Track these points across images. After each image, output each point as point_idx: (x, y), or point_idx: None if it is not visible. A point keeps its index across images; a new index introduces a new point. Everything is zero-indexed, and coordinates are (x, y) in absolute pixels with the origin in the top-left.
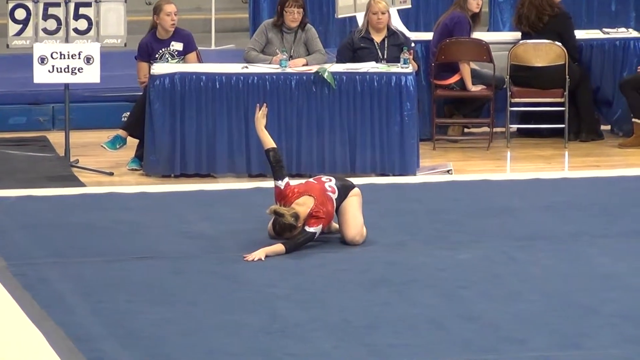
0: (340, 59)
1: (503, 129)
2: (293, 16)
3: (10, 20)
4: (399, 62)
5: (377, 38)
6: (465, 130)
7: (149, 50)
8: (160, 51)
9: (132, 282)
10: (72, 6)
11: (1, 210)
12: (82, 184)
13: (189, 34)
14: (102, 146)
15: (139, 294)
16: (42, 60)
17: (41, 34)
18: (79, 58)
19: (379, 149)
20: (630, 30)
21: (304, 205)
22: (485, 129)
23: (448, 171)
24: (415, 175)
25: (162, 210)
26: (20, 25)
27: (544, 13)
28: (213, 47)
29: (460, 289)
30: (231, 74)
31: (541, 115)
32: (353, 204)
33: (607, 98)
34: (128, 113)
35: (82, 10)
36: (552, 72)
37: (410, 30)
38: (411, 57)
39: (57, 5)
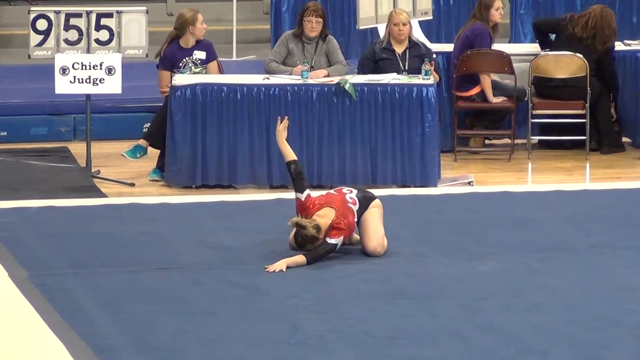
0: (362, 70)
1: (524, 141)
2: (312, 25)
3: (31, 31)
4: (420, 73)
5: (399, 49)
6: (487, 141)
7: (173, 59)
8: (184, 60)
9: (152, 292)
10: (93, 17)
11: (22, 220)
12: (103, 195)
13: (209, 43)
14: (122, 155)
15: (160, 305)
16: (64, 70)
17: (62, 44)
18: (101, 69)
19: (400, 160)
20: None
21: (325, 217)
22: (507, 140)
23: (469, 183)
24: (436, 186)
25: (183, 221)
26: (42, 36)
27: (602, 41)
28: (234, 58)
29: (481, 301)
30: (252, 85)
31: (562, 127)
32: (374, 215)
33: (628, 110)
34: (149, 124)
35: (103, 21)
36: (574, 84)
37: (431, 41)
38: (432, 68)
39: (79, 16)
